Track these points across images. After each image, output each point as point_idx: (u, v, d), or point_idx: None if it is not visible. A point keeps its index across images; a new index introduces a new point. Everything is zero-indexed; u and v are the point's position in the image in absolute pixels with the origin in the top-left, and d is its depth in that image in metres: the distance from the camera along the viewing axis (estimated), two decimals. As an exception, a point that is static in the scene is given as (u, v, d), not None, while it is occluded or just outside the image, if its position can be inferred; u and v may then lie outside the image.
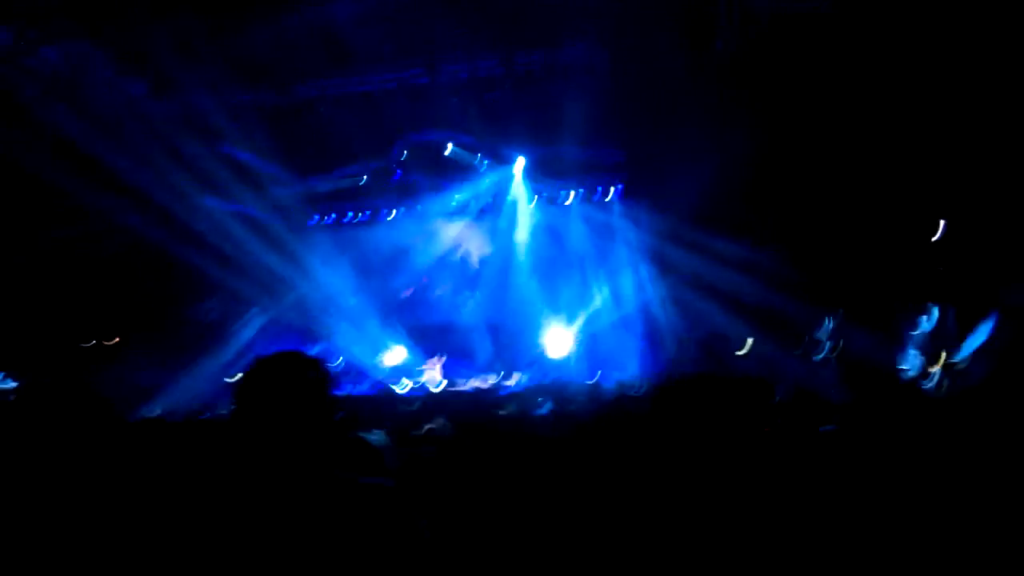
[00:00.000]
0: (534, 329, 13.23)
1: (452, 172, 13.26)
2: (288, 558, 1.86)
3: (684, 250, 11.64)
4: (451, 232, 14.34)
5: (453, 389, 12.26)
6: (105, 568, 1.99)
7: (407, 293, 14.38)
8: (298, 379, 2.04)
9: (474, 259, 14.35)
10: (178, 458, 2.78)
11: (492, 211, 14.06)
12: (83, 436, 2.20)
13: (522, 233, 13.82)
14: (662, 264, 12.17)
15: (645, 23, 9.64)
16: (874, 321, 9.62)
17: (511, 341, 13.21)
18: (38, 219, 11.19)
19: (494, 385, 12.07)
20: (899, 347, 9.18)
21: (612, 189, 13.28)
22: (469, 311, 13.87)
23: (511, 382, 12.21)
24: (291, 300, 13.42)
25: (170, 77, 10.29)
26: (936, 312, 8.99)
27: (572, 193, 13.47)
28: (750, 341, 11.01)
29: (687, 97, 10.53)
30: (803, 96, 9.90)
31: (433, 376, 12.94)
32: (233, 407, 2.02)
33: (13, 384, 10.10)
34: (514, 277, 13.53)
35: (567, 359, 12.93)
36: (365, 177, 13.47)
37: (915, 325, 9.12)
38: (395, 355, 13.60)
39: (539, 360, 12.97)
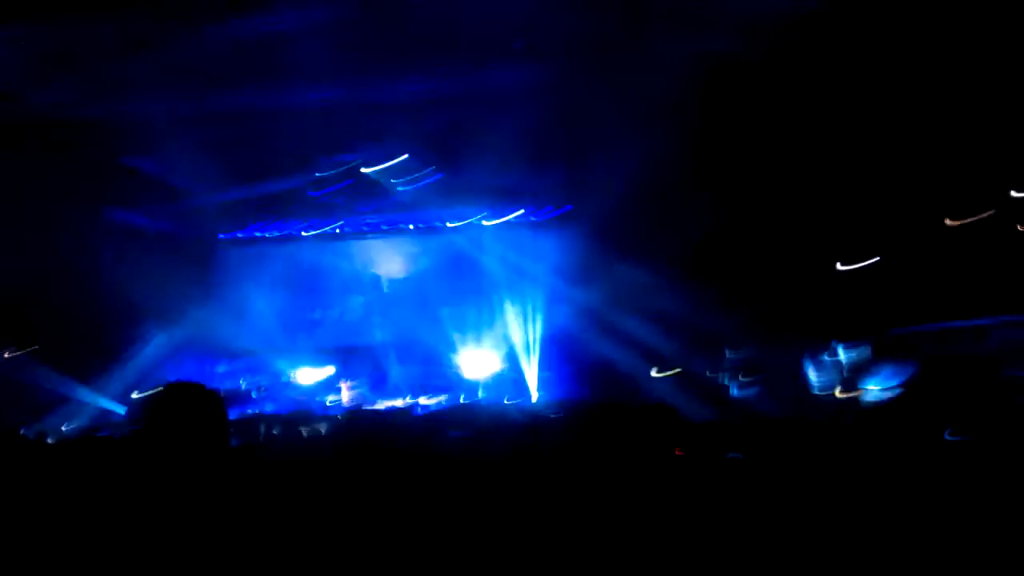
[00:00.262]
0: (448, 351, 13.24)
1: (369, 192, 13.19)
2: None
3: (601, 271, 11.87)
4: (366, 252, 14.27)
5: (367, 408, 12.11)
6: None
7: (319, 313, 14.19)
8: (198, 405, 2.21)
9: (386, 280, 14.29)
10: (70, 475, 2.72)
11: (407, 232, 14.09)
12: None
13: (437, 255, 13.87)
14: (578, 286, 12.36)
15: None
16: (790, 346, 9.90)
17: (424, 363, 13.18)
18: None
19: (407, 406, 11.99)
20: (814, 371, 9.46)
21: (524, 211, 13.58)
22: (381, 332, 13.78)
23: (426, 402, 12.14)
24: (200, 316, 13.02)
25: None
26: (847, 346, 9.24)
27: (487, 215, 13.61)
28: (666, 366, 11.24)
29: (606, 120, 10.72)
30: (721, 114, 10.17)
31: (345, 396, 12.78)
32: (136, 427, 2.08)
33: None
34: (428, 299, 13.54)
35: (482, 382, 12.98)
36: (281, 193, 13.25)
37: (831, 352, 9.36)
38: (308, 374, 13.39)
39: (453, 382, 12.97)
